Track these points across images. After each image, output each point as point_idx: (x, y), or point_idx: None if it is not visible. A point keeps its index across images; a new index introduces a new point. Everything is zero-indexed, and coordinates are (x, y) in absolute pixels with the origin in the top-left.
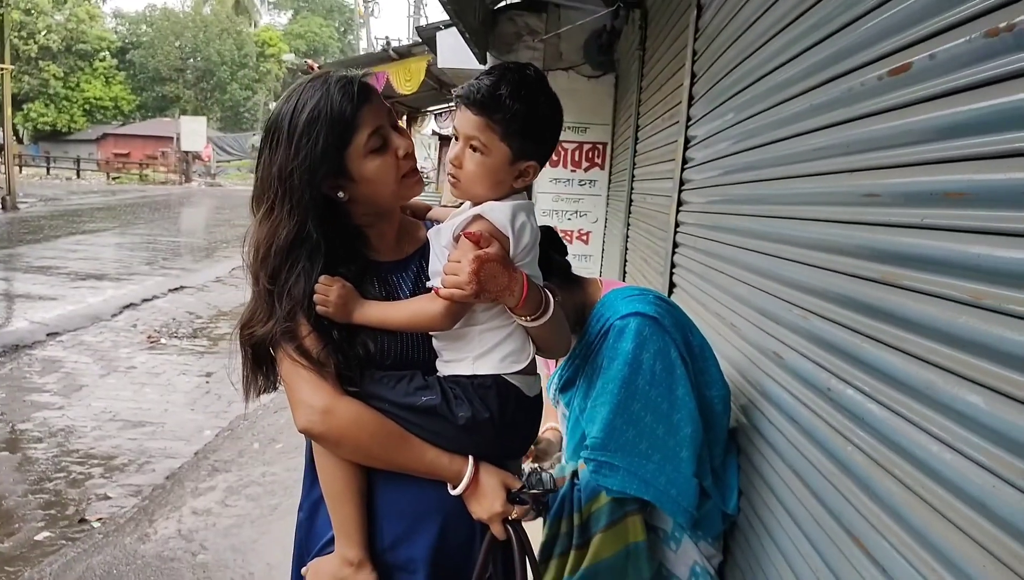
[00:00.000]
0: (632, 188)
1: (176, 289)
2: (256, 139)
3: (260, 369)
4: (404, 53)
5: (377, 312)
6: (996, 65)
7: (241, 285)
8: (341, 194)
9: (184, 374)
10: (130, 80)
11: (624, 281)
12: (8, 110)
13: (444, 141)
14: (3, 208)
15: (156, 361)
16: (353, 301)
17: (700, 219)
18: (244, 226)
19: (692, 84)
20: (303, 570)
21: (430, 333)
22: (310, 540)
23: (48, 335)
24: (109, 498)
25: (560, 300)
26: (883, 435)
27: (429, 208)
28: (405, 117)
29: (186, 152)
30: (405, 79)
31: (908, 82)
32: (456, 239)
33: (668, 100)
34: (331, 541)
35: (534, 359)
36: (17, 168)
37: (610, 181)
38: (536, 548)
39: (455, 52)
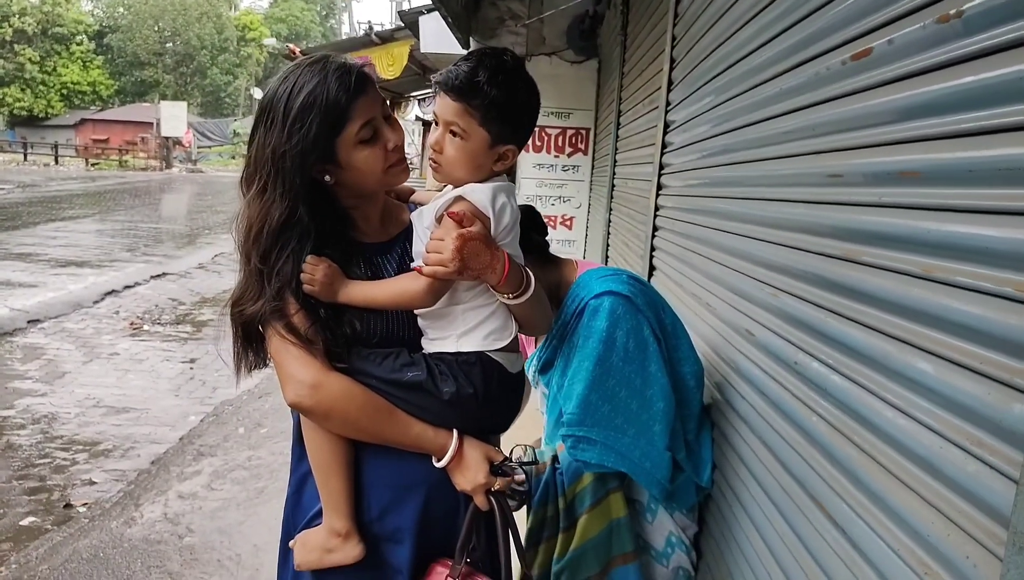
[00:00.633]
0: (614, 173)
1: (158, 276)
2: (238, 125)
3: (250, 346)
4: (387, 38)
5: (362, 291)
6: (947, 50)
7: (224, 272)
8: (328, 178)
9: (168, 360)
10: (108, 64)
11: (607, 265)
12: None
13: (427, 126)
14: None
15: (139, 348)
16: (338, 281)
17: (679, 202)
18: (226, 213)
19: (671, 69)
20: (290, 543)
21: (415, 312)
22: (297, 513)
23: (29, 322)
24: (94, 483)
25: (536, 278)
26: (844, 404)
27: (413, 191)
28: (388, 102)
29: (166, 138)
30: (388, 64)
31: (869, 66)
32: (439, 220)
33: (649, 85)
34: (319, 514)
35: (516, 337)
36: None
37: (593, 166)
38: (523, 535)
39: (438, 37)
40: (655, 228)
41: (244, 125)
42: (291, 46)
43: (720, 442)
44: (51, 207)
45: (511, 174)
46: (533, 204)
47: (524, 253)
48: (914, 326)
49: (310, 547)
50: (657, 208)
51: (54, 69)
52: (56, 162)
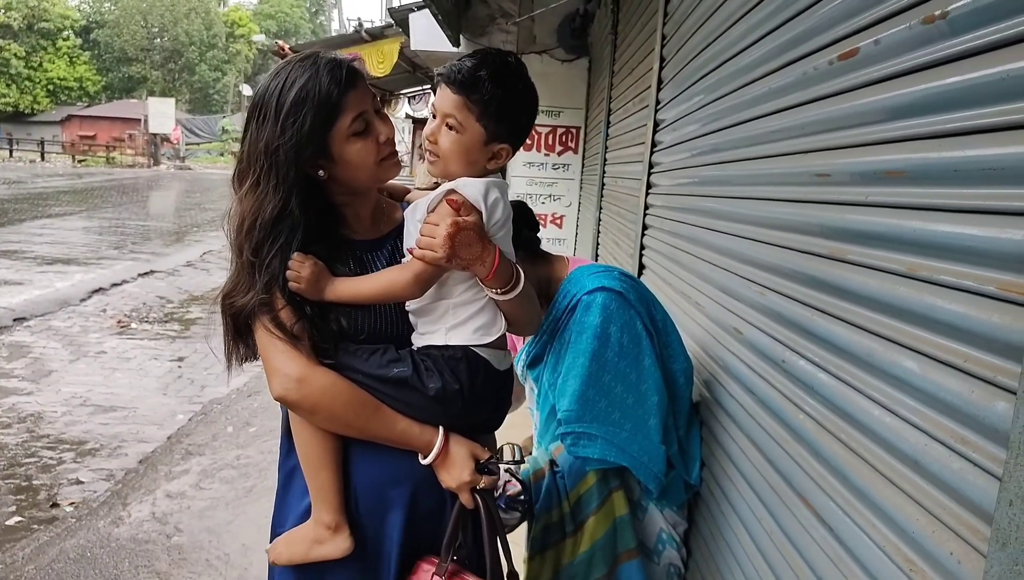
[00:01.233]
0: (604, 171)
1: (146, 273)
2: (226, 121)
3: (241, 338)
4: (377, 35)
5: (348, 287)
6: (932, 50)
7: (212, 270)
8: (321, 173)
9: (156, 359)
10: (95, 60)
11: (597, 262)
12: None
13: (418, 124)
14: None
15: (126, 346)
16: (324, 278)
17: (668, 201)
18: (215, 210)
19: (661, 68)
20: (266, 548)
21: (406, 307)
22: (284, 507)
23: (15, 320)
24: (81, 483)
25: (526, 274)
26: (830, 402)
27: (408, 190)
28: (378, 100)
29: (154, 134)
30: (378, 61)
31: (856, 66)
32: (432, 210)
33: (639, 84)
34: (307, 511)
35: (505, 335)
36: None
37: (583, 165)
38: (528, 542)
39: (428, 34)
40: (645, 227)
41: (233, 122)
42: (280, 43)
43: (709, 440)
44: (37, 204)
45: (502, 173)
46: (524, 201)
47: (515, 249)
48: (899, 324)
49: (297, 541)
50: (647, 207)
51: (40, 64)
52: (42, 159)
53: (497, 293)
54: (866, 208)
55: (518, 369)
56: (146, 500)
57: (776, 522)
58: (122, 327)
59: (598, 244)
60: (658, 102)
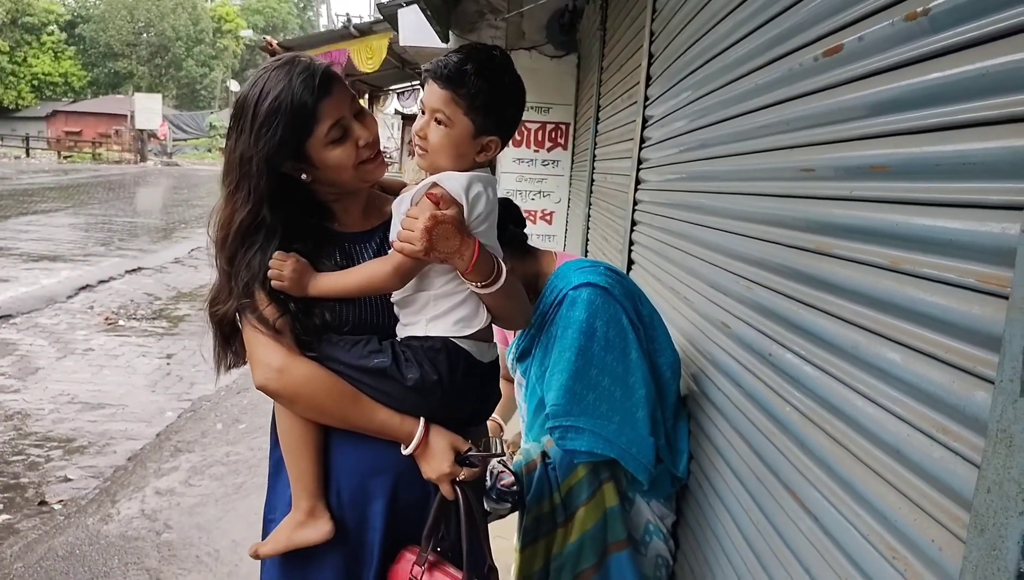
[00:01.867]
0: (594, 168)
1: (133, 270)
2: (214, 117)
3: (229, 346)
4: (365, 30)
5: (331, 282)
6: (914, 47)
7: (201, 266)
8: (304, 176)
9: (144, 356)
10: (80, 55)
11: (586, 258)
12: None
13: (407, 120)
14: None
15: (114, 343)
16: (307, 275)
17: (657, 197)
18: (202, 206)
19: (650, 64)
20: (250, 549)
21: (390, 298)
22: (274, 494)
23: (1, 317)
24: (70, 480)
25: (511, 268)
26: (816, 394)
27: (403, 185)
28: (367, 96)
29: (141, 130)
30: (367, 57)
31: (840, 63)
32: (415, 203)
33: (627, 80)
34: (290, 504)
35: (490, 327)
36: None
37: (573, 161)
38: (520, 533)
39: (417, 30)
40: (634, 222)
41: (220, 118)
42: (268, 38)
43: (696, 432)
44: (23, 201)
45: (492, 168)
46: (513, 198)
47: (501, 245)
48: (883, 317)
49: (280, 532)
50: (636, 202)
51: (24, 60)
52: (27, 155)
53: (478, 286)
54: (850, 202)
55: (508, 362)
56: (135, 497)
57: (763, 512)
58: (110, 324)
59: (587, 240)
60: (647, 98)
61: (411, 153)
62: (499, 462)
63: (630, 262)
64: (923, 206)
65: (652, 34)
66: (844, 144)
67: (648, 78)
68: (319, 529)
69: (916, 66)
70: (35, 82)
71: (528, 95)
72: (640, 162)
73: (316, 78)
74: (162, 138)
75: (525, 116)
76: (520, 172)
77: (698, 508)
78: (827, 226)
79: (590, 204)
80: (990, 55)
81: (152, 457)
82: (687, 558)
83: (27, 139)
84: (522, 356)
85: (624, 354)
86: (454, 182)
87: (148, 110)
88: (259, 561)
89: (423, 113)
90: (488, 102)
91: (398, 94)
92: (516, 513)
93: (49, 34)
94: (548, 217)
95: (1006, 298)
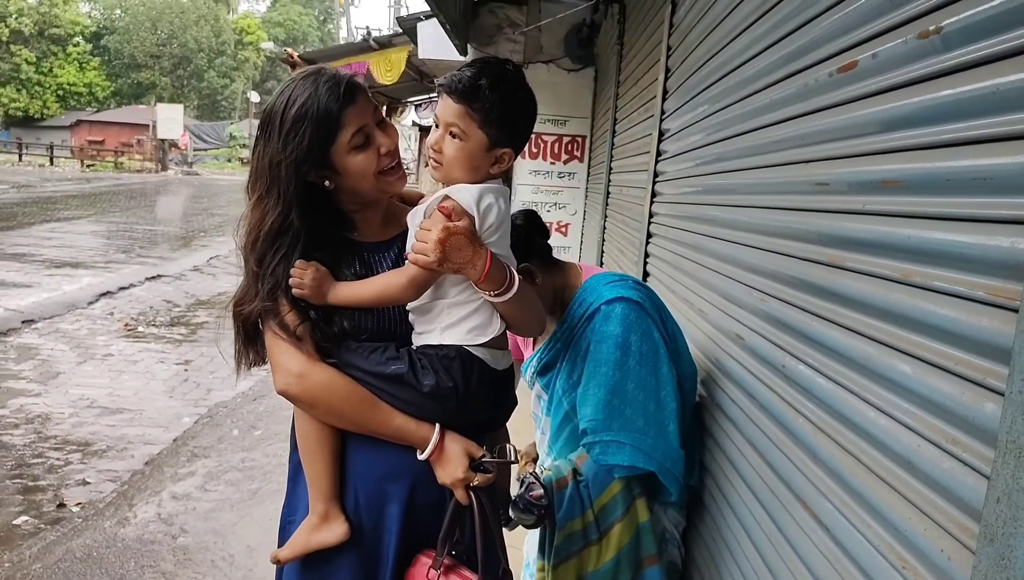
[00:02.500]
0: (609, 180)
1: (153, 277)
2: (234, 128)
3: (251, 344)
4: (385, 43)
5: (349, 291)
6: (927, 64)
7: (219, 274)
8: (327, 183)
9: (162, 362)
10: (105, 66)
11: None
12: None
13: (424, 132)
14: None
15: (133, 349)
16: (327, 283)
17: (672, 209)
18: (222, 216)
19: (666, 78)
20: (271, 556)
21: (406, 307)
22: (293, 498)
23: (23, 322)
24: (88, 483)
25: (540, 281)
26: (828, 405)
27: (422, 195)
28: (385, 108)
29: (162, 140)
30: (386, 69)
31: (854, 79)
32: (428, 215)
33: (644, 94)
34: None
35: (504, 335)
36: None
37: (589, 174)
38: (547, 552)
39: (436, 43)
40: (649, 235)
41: (240, 128)
42: (289, 50)
43: (709, 443)
44: (46, 208)
45: (507, 180)
46: (534, 209)
47: (527, 257)
48: (894, 329)
49: (297, 538)
50: (651, 215)
51: (50, 70)
52: (51, 163)
53: (491, 295)
54: (863, 216)
55: (525, 375)
56: (152, 501)
57: (774, 522)
58: (129, 330)
59: (603, 252)
60: (663, 112)
61: (427, 164)
62: (531, 474)
63: (645, 274)
64: (934, 220)
65: (669, 49)
66: (858, 159)
67: (665, 92)
68: (334, 531)
69: (929, 83)
70: (60, 92)
71: (545, 108)
72: (656, 175)
73: (341, 87)
74: (183, 148)
75: (542, 128)
76: (536, 184)
77: (709, 516)
78: (840, 239)
79: (606, 216)
80: (1001, 73)
81: (169, 462)
82: (697, 565)
83: (51, 148)
84: (544, 369)
85: (656, 368)
86: (466, 194)
87: (170, 120)
88: (275, 566)
89: (437, 127)
90: (501, 115)
91: (416, 106)
92: (535, 530)
93: (75, 45)
94: (564, 229)
95: (1015, 311)
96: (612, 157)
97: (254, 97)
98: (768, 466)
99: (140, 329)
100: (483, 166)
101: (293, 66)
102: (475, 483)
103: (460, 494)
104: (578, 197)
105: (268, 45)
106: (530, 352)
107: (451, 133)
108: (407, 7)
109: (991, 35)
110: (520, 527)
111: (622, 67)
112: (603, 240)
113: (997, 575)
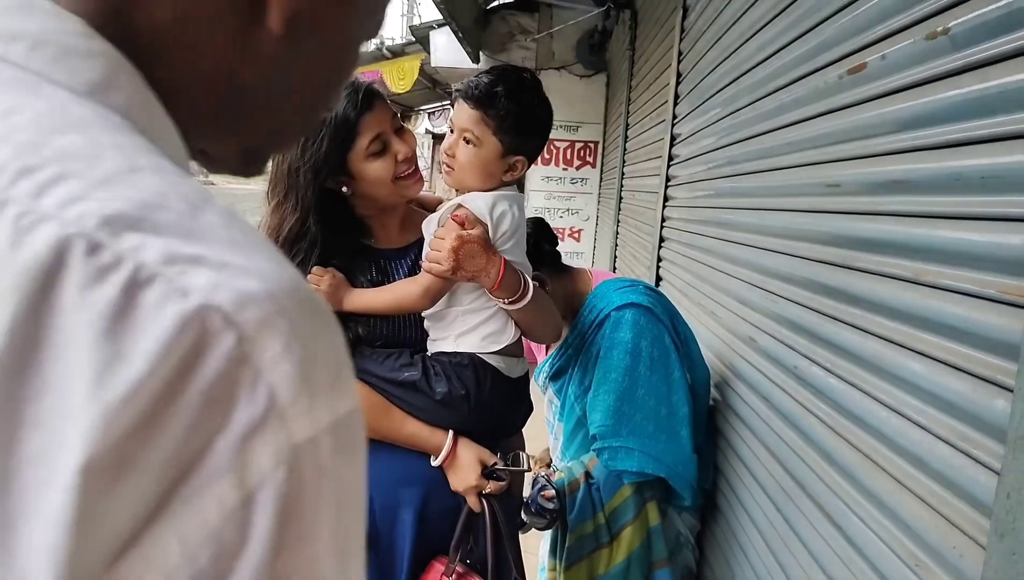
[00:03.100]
0: (622, 185)
1: None
2: None
3: None
4: (398, 52)
5: (364, 298)
6: (935, 65)
7: None
8: (345, 189)
9: None
10: None
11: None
12: None
13: (438, 140)
14: None
15: None
16: (342, 290)
17: (684, 213)
18: None
19: (678, 83)
20: None
21: (421, 314)
22: None
23: None
24: None
25: (550, 288)
26: (840, 405)
27: (440, 201)
28: (398, 116)
29: None
30: (399, 78)
31: (864, 80)
32: (442, 224)
33: (656, 99)
34: None
35: (519, 342)
36: None
37: (601, 179)
38: (558, 553)
39: (448, 51)
40: (662, 239)
41: None
42: None
43: (723, 445)
44: None
45: (520, 187)
46: (542, 217)
47: (536, 264)
48: (906, 328)
49: None
50: (664, 219)
51: None
52: None
53: (505, 302)
54: (874, 217)
55: (538, 380)
56: None
57: (787, 522)
58: None
59: (616, 257)
60: (675, 116)
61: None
62: (544, 477)
63: (658, 278)
64: (945, 219)
65: (680, 54)
66: (869, 160)
67: (676, 97)
68: None
69: (937, 83)
70: None
71: (557, 114)
72: (668, 179)
73: (359, 94)
74: None
75: (554, 134)
76: (549, 190)
77: (723, 518)
78: (852, 240)
79: (618, 221)
80: (1009, 72)
81: None
82: (711, 567)
83: None
84: (556, 375)
85: (667, 374)
86: (479, 202)
87: None
88: None
89: (452, 132)
90: (517, 123)
91: (428, 114)
92: (546, 532)
93: None
94: (576, 234)
95: None
96: (624, 162)
97: None
98: (780, 465)
99: None
100: (496, 173)
101: None
102: (487, 491)
103: (472, 501)
104: (591, 202)
105: None
106: (543, 357)
107: (465, 139)
108: (420, 16)
109: (998, 35)
110: (535, 531)
111: (634, 72)
112: (616, 245)
113: (1008, 570)
